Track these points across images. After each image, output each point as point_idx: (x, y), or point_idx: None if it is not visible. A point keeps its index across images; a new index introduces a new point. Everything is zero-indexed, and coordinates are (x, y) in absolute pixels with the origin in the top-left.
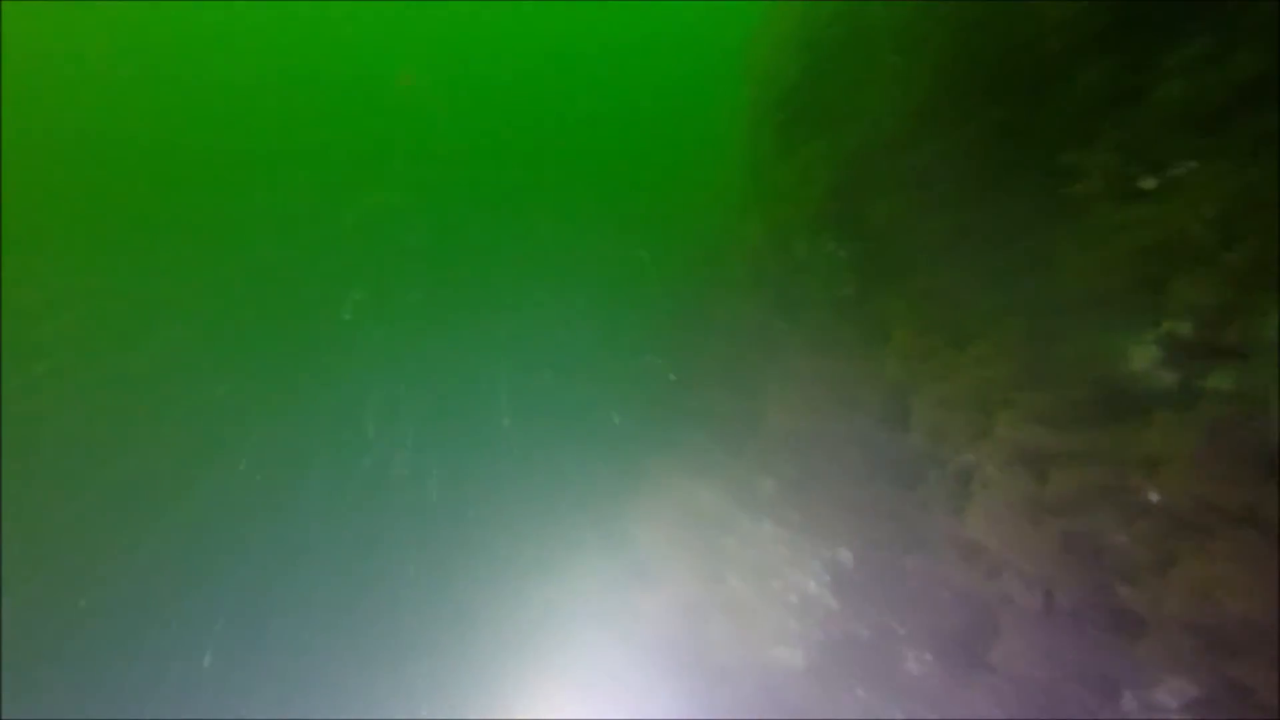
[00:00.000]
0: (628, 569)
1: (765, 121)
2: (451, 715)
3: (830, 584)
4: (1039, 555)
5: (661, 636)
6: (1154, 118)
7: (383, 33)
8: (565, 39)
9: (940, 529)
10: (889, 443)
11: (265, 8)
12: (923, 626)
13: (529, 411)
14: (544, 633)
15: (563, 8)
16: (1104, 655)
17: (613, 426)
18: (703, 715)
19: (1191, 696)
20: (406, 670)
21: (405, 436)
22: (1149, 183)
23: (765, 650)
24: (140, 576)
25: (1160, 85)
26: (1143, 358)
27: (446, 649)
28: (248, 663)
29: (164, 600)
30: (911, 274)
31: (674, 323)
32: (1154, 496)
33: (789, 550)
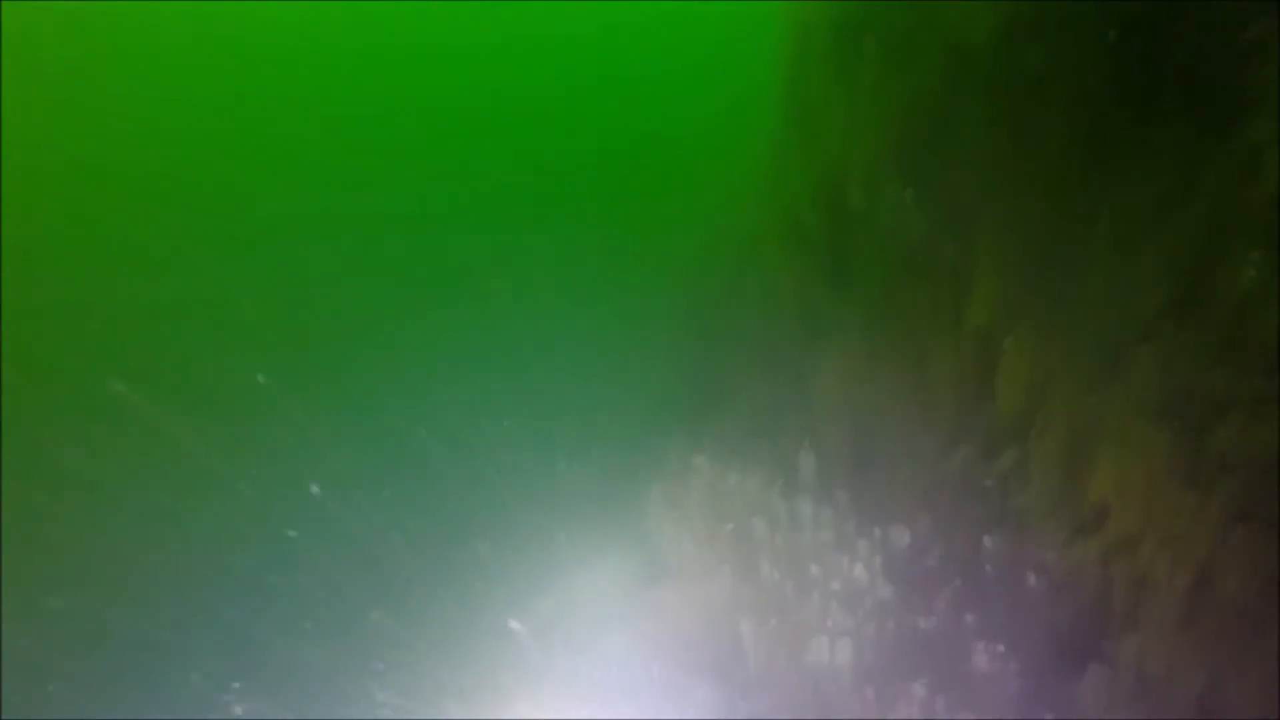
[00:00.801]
0: (643, 564)
1: (816, 49)
2: None
3: (883, 568)
4: (1194, 526)
5: (685, 638)
6: None
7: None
8: None
9: (1041, 497)
10: (966, 403)
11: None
12: (1003, 614)
13: (529, 395)
14: (553, 641)
15: None
16: None
17: (622, 408)
18: None
19: None
20: (398, 684)
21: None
22: None
23: (807, 647)
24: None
25: None
26: None
27: (444, 658)
28: (250, 670)
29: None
30: (1009, 211)
31: (694, 293)
32: None
33: (833, 533)
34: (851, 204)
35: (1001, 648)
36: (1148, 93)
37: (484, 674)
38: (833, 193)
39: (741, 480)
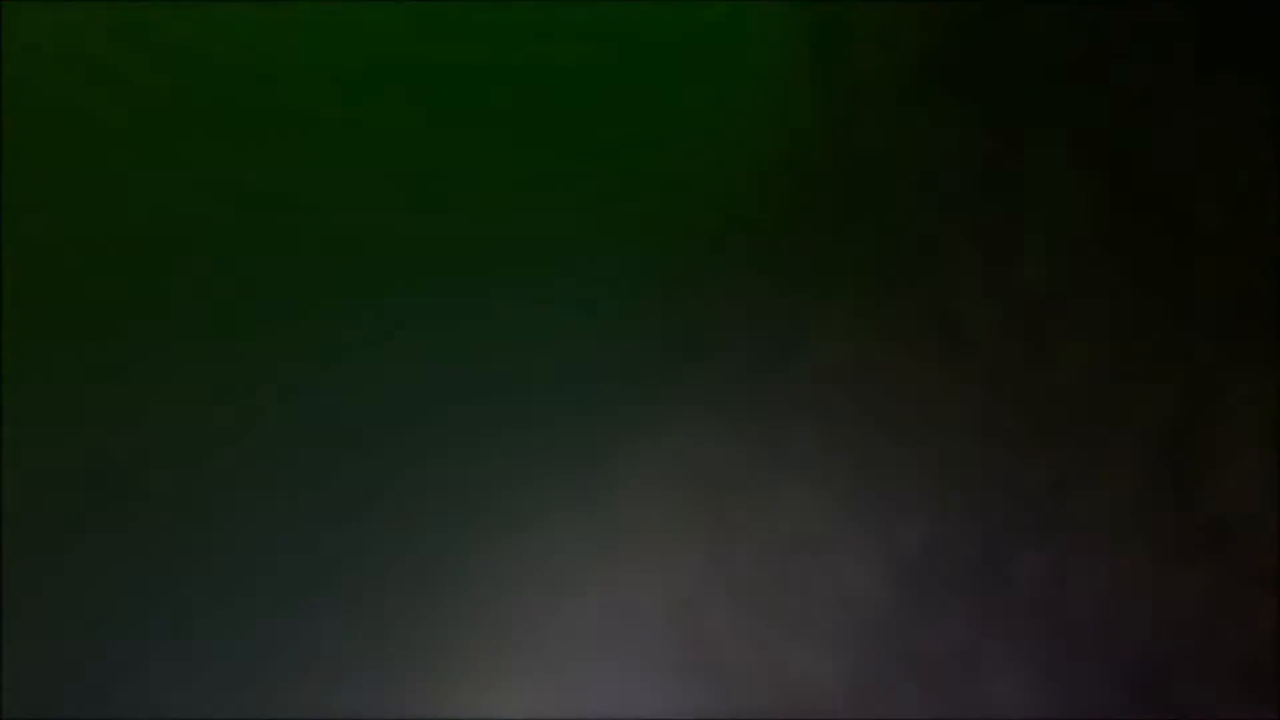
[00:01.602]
0: (604, 542)
1: None
2: None
3: (884, 571)
4: None
5: (647, 627)
6: None
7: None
8: None
9: (1115, 505)
10: (1010, 368)
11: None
12: (1043, 639)
13: (478, 345)
14: (501, 625)
15: None
16: None
17: (587, 365)
18: None
19: None
20: (327, 668)
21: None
22: None
23: (784, 652)
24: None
25: None
26: None
27: (378, 644)
28: (209, 666)
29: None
30: (1095, 104)
31: (678, 240)
32: None
33: (824, 524)
34: (872, 136)
35: (1031, 681)
36: None
37: (425, 659)
38: (853, 117)
39: (722, 452)
